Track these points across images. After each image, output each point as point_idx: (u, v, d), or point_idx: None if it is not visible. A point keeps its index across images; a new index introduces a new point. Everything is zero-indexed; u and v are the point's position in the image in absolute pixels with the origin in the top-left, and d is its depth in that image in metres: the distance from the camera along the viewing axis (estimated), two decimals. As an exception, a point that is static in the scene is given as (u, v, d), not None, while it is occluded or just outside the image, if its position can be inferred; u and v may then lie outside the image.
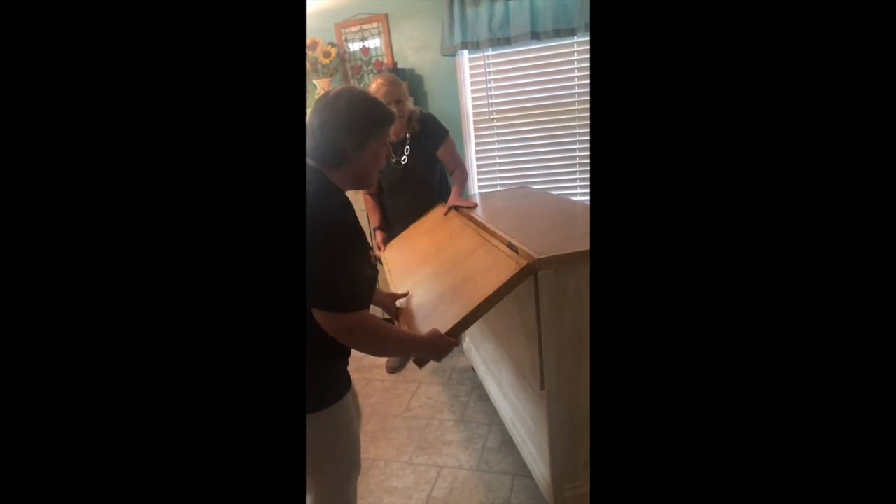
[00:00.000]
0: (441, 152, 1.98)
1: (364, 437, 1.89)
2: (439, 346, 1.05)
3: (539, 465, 1.46)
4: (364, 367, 2.42)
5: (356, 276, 0.94)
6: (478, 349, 2.11)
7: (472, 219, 1.65)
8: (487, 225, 1.49)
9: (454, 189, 1.94)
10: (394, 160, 1.94)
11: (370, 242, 1.23)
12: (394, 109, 1.78)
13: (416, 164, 1.95)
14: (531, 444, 1.52)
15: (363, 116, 0.97)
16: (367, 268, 1.02)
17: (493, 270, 1.21)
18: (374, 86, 1.85)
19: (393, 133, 1.91)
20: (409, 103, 2.03)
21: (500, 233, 1.36)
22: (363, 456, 1.78)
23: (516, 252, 1.22)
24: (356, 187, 1.03)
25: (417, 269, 1.59)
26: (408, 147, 1.94)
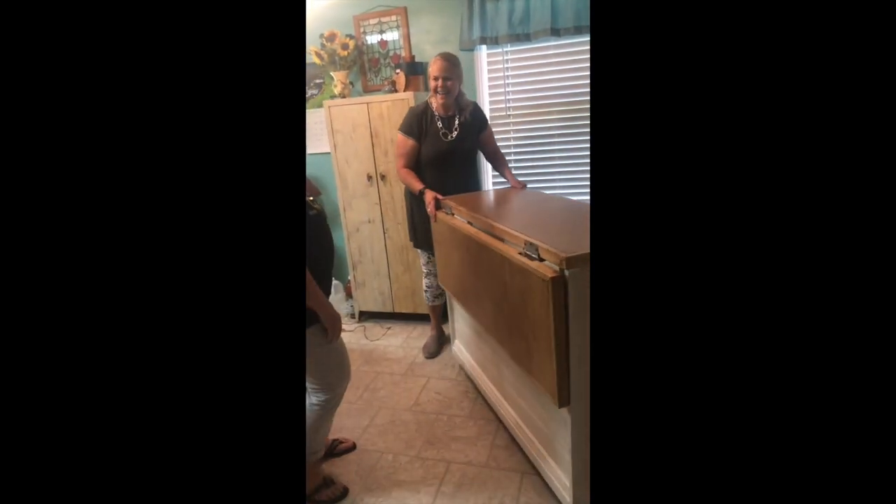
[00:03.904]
0: (485, 136, 2.25)
1: (373, 430, 1.90)
2: (330, 324, 1.38)
3: (550, 466, 1.45)
4: (374, 360, 2.43)
5: None
6: (470, 350, 2.08)
7: (483, 221, 1.60)
8: (502, 226, 1.47)
9: (508, 171, 2.28)
10: (442, 131, 2.12)
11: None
12: (440, 84, 2.12)
13: (462, 143, 2.16)
14: (540, 444, 1.51)
15: None
16: (307, 211, 1.34)
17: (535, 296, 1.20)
18: (433, 61, 2.08)
19: (442, 108, 2.11)
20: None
21: (517, 234, 1.34)
22: (371, 448, 1.79)
23: (537, 254, 1.21)
24: None
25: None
26: (457, 127, 2.14)
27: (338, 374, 1.49)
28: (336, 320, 1.42)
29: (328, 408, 1.50)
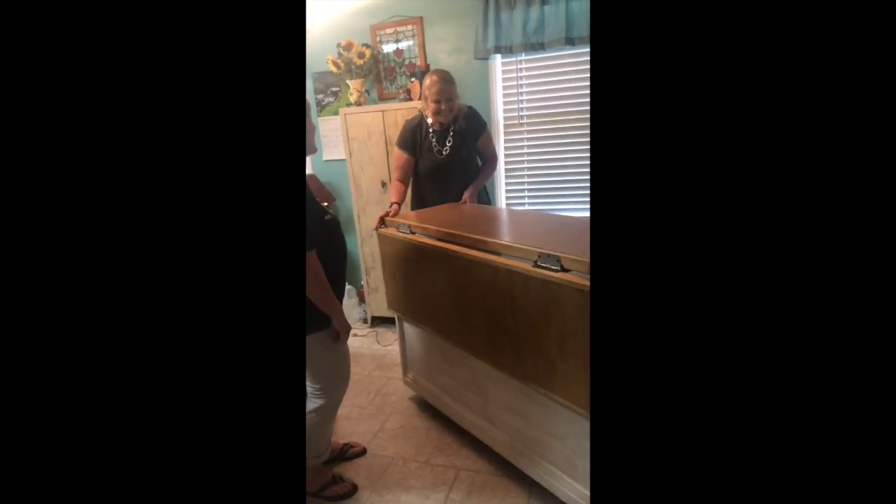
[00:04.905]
0: (480, 143, 2.16)
1: (383, 435, 1.92)
2: (341, 327, 1.45)
3: (566, 482, 1.41)
4: (385, 366, 2.46)
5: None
6: (434, 379, 1.93)
7: (468, 238, 1.51)
8: (500, 241, 1.42)
9: (480, 181, 2.17)
10: (436, 148, 2.09)
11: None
12: (443, 106, 1.96)
13: (457, 154, 2.10)
14: (552, 464, 1.46)
15: None
16: (323, 216, 1.43)
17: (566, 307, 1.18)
18: (428, 81, 2.01)
19: (436, 123, 2.06)
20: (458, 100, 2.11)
21: (526, 247, 1.32)
22: (382, 453, 1.82)
23: (560, 265, 1.20)
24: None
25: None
26: (451, 138, 2.08)
27: (337, 381, 1.55)
28: (348, 328, 1.47)
29: (326, 412, 1.55)
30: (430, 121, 2.08)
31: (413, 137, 2.12)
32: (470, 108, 2.15)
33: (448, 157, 2.09)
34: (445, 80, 1.99)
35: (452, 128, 2.08)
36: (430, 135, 2.09)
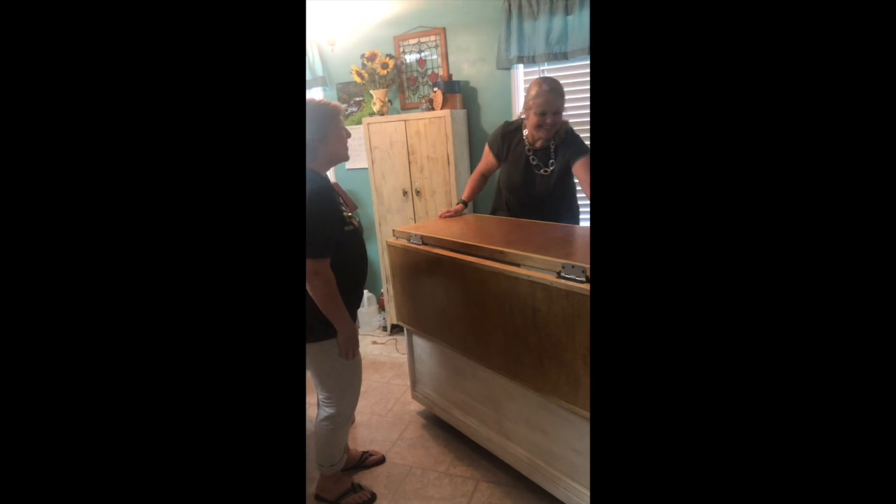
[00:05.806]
0: (578, 166, 1.82)
1: (402, 444, 1.92)
2: (345, 341, 1.42)
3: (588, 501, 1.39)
4: (405, 374, 2.46)
5: (321, 230, 1.30)
6: (445, 393, 1.89)
7: (486, 249, 1.51)
8: (520, 252, 1.41)
9: None
10: (536, 163, 1.88)
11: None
12: (548, 120, 1.80)
13: (558, 177, 1.88)
14: (572, 480, 1.44)
15: (319, 116, 1.37)
16: (343, 226, 1.40)
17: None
18: (534, 91, 1.74)
19: (532, 137, 1.85)
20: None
21: (547, 258, 1.32)
22: (401, 462, 1.81)
23: (586, 276, 1.20)
24: (334, 164, 1.48)
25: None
26: (553, 159, 1.85)
27: (346, 390, 1.53)
28: (350, 339, 1.43)
29: (338, 421, 1.54)
30: (525, 132, 1.85)
31: (502, 142, 1.95)
32: (570, 130, 1.88)
33: (548, 177, 1.86)
34: (555, 90, 1.72)
35: (553, 144, 1.84)
36: (528, 148, 1.88)
